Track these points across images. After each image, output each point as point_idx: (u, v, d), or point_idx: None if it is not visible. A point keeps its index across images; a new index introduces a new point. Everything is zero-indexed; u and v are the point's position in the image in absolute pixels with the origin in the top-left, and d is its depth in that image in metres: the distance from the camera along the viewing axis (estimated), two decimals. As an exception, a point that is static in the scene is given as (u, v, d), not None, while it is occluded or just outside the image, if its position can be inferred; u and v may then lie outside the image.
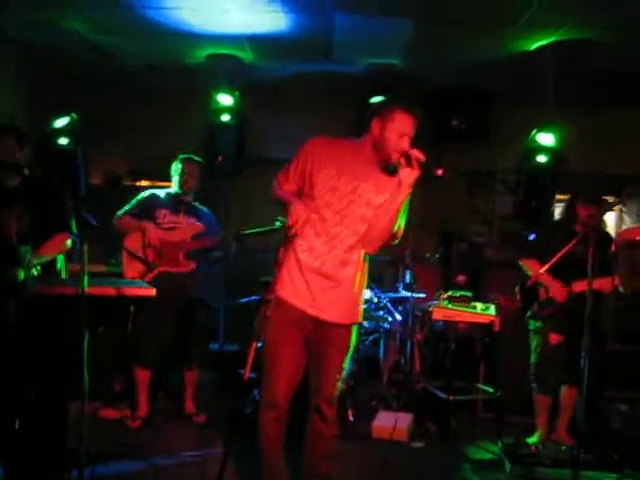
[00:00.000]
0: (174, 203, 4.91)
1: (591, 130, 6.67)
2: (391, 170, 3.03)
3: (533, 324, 4.70)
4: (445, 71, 6.27)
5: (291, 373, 3.13)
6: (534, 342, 4.70)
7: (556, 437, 4.65)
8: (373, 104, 3.13)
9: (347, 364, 3.21)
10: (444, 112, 6.84)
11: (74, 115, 6.24)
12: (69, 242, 3.78)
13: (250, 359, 2.94)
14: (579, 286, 4.30)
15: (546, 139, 6.37)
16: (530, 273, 4.54)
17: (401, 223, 3.08)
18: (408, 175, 2.90)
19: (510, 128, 6.74)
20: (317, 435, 3.21)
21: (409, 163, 2.87)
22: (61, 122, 6.20)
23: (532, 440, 4.68)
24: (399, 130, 2.95)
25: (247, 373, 2.99)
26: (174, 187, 4.95)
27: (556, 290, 4.45)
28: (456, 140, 6.94)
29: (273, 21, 5.20)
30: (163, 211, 4.84)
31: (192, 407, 5.06)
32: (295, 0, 4.81)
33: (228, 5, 4.90)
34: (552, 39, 5.30)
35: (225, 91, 6.42)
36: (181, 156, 4.98)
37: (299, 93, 6.91)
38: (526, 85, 6.32)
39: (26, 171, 3.71)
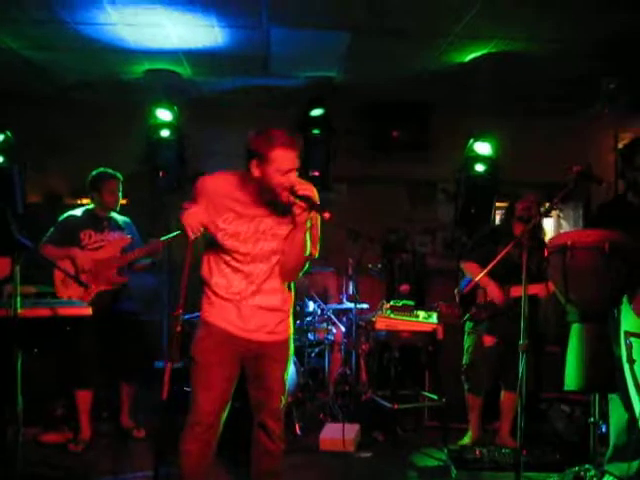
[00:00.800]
0: (95, 221, 4.82)
1: (526, 138, 6.85)
2: (282, 208, 2.91)
3: (468, 325, 4.79)
4: (383, 82, 6.35)
5: (220, 393, 3.02)
6: (467, 343, 4.80)
7: (500, 440, 4.73)
8: (248, 141, 2.86)
9: (288, 376, 3.17)
10: (384, 124, 6.94)
11: (8, 133, 6.12)
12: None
13: (167, 379, 2.92)
14: (516, 291, 4.39)
15: (483, 148, 6.52)
16: (471, 276, 4.62)
17: (315, 240, 3.04)
18: (300, 214, 2.83)
19: (449, 138, 6.88)
20: (263, 451, 3.13)
21: (302, 204, 2.79)
22: (-4, 140, 6.07)
23: (463, 441, 4.77)
24: (281, 170, 2.80)
25: (165, 393, 2.95)
26: (91, 205, 4.88)
27: (494, 292, 4.54)
28: (396, 151, 7.04)
29: (209, 36, 5.19)
30: (87, 232, 4.75)
31: (129, 421, 4.98)
32: (231, 15, 4.82)
33: (164, 20, 4.87)
34: (485, 51, 5.42)
35: (164, 106, 6.38)
36: (96, 172, 4.86)
37: (238, 107, 6.92)
38: (462, 95, 6.46)
39: None
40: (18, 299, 2.83)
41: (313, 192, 2.86)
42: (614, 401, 3.61)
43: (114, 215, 4.96)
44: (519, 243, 3.91)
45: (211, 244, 3.05)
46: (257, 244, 2.98)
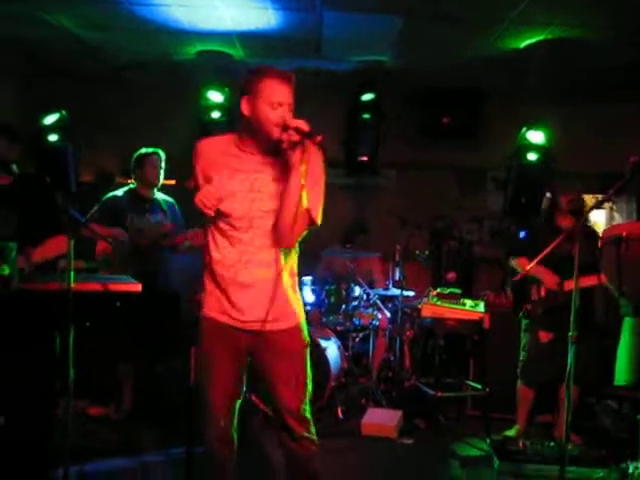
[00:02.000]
0: (137, 203, 4.85)
1: (580, 128, 6.70)
2: (275, 149, 2.69)
3: (524, 322, 4.72)
4: (434, 69, 6.28)
5: (226, 388, 2.86)
6: (523, 340, 4.72)
7: (558, 434, 4.63)
8: (240, 80, 2.71)
9: (306, 370, 2.88)
10: (434, 110, 6.87)
11: (63, 112, 6.21)
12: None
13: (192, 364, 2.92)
14: (570, 284, 4.31)
15: (536, 137, 6.40)
16: (521, 271, 4.55)
17: (318, 201, 2.77)
18: (294, 152, 2.60)
19: (500, 126, 6.77)
20: (291, 457, 2.91)
21: (291, 139, 2.56)
22: (50, 119, 6.17)
23: (510, 433, 4.70)
24: (271, 100, 2.59)
25: (192, 377, 2.94)
26: (133, 184, 4.92)
27: (548, 279, 4.44)
28: (446, 138, 6.98)
29: (262, 18, 5.19)
30: (129, 215, 4.77)
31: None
32: (284, -4, 4.82)
33: (217, 2, 4.89)
34: (541, 37, 5.32)
35: (215, 88, 6.41)
36: (137, 153, 4.92)
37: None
38: (516, 83, 6.34)
39: (15, 169, 3.68)
40: (72, 273, 2.87)
41: (306, 124, 2.57)
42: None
43: (157, 196, 4.98)
44: (570, 236, 3.87)
45: (210, 218, 2.85)
46: (253, 204, 2.74)
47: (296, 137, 2.56)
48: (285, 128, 2.58)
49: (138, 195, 4.89)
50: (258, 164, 2.75)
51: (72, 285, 2.87)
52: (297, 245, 2.89)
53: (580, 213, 4.61)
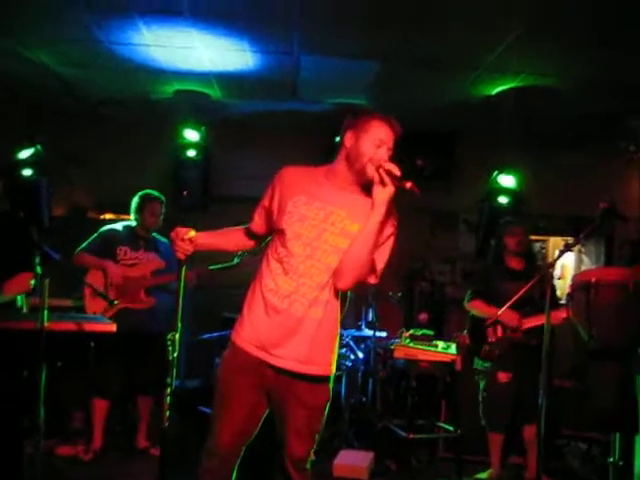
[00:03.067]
0: (133, 239, 4.91)
1: (550, 172, 6.85)
2: (367, 189, 2.68)
3: (480, 364, 4.74)
4: (409, 112, 6.34)
5: (238, 424, 2.75)
6: (482, 383, 4.75)
7: (529, 476, 4.64)
8: (346, 121, 2.76)
9: (320, 426, 2.78)
10: (408, 152, 6.89)
11: (38, 146, 6.21)
12: (32, 281, 3.71)
13: (165, 406, 2.82)
14: (529, 322, 4.40)
15: (507, 181, 6.52)
16: (481, 314, 4.63)
17: (383, 259, 2.72)
18: (381, 192, 2.56)
19: (472, 169, 6.89)
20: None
21: (385, 179, 2.55)
22: (25, 153, 6.17)
23: (482, 476, 4.71)
24: (374, 139, 2.65)
25: (165, 419, 2.82)
26: (133, 222, 4.95)
27: (510, 317, 4.43)
28: (420, 180, 6.97)
29: (240, 60, 5.27)
30: (123, 248, 4.84)
31: (145, 441, 4.99)
32: (263, 40, 4.90)
33: (196, 43, 4.95)
34: (512, 84, 5.46)
35: (192, 126, 6.46)
36: (142, 193, 4.97)
37: (265, 130, 6.99)
38: (487, 128, 6.48)
39: None
40: (45, 312, 2.85)
41: (398, 169, 2.57)
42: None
43: (155, 236, 5.03)
44: (527, 275, 4.11)
45: (269, 243, 2.83)
46: (322, 235, 2.66)
47: (387, 179, 2.55)
48: (379, 168, 2.57)
49: (135, 233, 4.93)
50: (339, 197, 2.72)
51: (45, 324, 2.85)
52: (348, 294, 2.82)
53: (528, 254, 4.74)
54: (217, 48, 5.06)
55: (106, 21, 4.65)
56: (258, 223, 2.94)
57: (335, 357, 2.78)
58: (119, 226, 4.96)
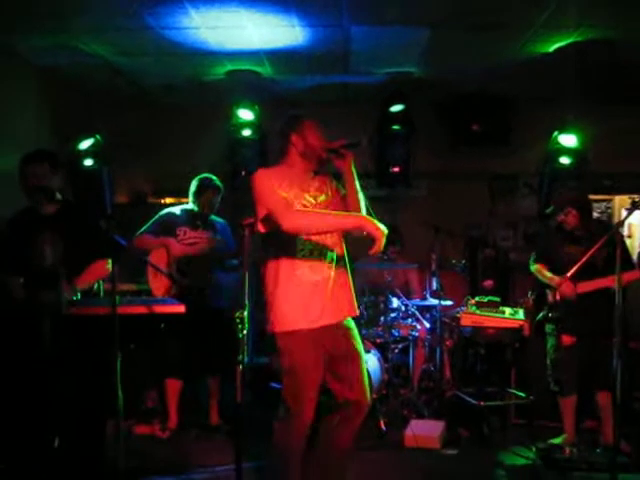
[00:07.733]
0: (191, 220, 4.97)
1: (612, 129, 6.63)
2: (323, 169, 3.41)
3: (548, 327, 4.67)
4: (463, 76, 6.27)
5: (317, 395, 3.22)
6: (548, 344, 4.68)
7: (605, 440, 4.56)
8: (283, 126, 3.40)
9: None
10: (464, 117, 6.85)
11: (98, 136, 6.33)
12: (109, 266, 3.80)
13: (239, 382, 3.04)
14: (582, 287, 4.31)
15: (568, 140, 6.35)
16: (542, 278, 4.59)
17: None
18: (344, 162, 3.31)
19: (531, 130, 6.73)
20: (344, 420, 3.28)
21: (338, 153, 3.27)
22: (86, 144, 6.29)
23: (556, 441, 4.63)
24: (316, 134, 3.32)
25: (239, 395, 3.04)
26: (191, 204, 5.01)
27: (564, 286, 4.37)
28: (477, 145, 6.94)
29: (290, 35, 5.25)
30: (183, 228, 4.91)
31: (217, 419, 5.11)
32: (311, 14, 4.86)
33: (245, 22, 4.95)
34: (570, 40, 5.29)
35: (245, 106, 6.47)
36: (200, 177, 5.02)
37: (318, 105, 6.94)
38: (547, 87, 6.31)
39: (59, 196, 3.76)
40: (117, 297, 2.92)
41: (342, 140, 3.27)
42: None
43: (212, 216, 5.09)
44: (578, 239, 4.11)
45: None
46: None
47: (341, 151, 3.27)
48: (330, 149, 3.29)
49: (193, 213, 5.00)
50: (307, 183, 3.35)
51: (118, 308, 2.93)
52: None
53: (589, 217, 4.59)
54: (266, 25, 5.04)
55: (155, 7, 4.69)
56: None
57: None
58: (177, 209, 5.03)
